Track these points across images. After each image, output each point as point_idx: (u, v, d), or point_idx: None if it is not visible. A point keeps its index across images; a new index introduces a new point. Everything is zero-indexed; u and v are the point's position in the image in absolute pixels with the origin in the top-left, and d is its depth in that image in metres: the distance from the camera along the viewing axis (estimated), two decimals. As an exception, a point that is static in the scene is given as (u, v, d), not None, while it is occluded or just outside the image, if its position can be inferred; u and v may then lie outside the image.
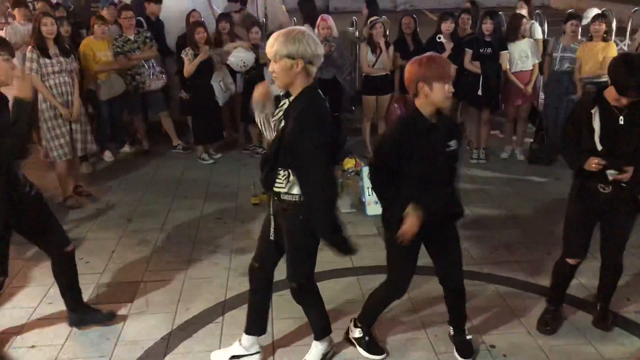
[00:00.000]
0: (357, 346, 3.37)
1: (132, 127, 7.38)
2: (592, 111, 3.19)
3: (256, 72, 6.69)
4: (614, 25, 8.19)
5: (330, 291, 3.98)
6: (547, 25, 8.50)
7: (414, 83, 2.90)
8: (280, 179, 2.82)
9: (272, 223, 3.00)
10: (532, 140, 6.89)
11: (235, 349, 3.28)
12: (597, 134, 3.18)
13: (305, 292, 3.12)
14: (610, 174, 3.18)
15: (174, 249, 4.66)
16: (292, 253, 2.98)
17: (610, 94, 3.16)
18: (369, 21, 6.72)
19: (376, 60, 6.49)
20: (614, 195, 3.25)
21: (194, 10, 7.14)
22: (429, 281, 4.06)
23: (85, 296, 3.93)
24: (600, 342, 3.41)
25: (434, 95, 2.87)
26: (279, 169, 2.82)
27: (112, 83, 6.56)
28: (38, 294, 4.00)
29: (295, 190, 2.80)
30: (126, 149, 7.24)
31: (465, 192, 5.85)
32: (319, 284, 3.18)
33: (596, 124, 3.18)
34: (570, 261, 3.49)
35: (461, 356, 3.28)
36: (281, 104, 2.90)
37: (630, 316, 3.67)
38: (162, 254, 4.59)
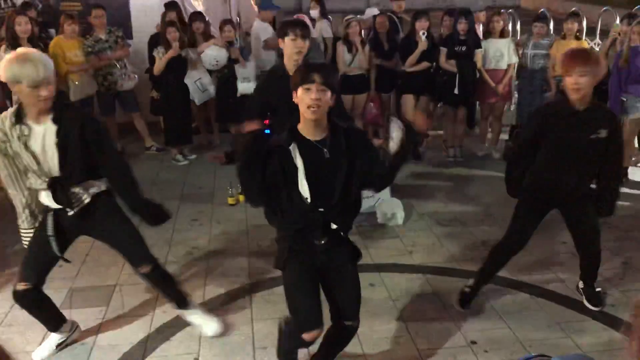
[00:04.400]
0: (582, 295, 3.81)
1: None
2: (291, 147, 2.59)
3: (228, 71, 6.63)
4: (584, 24, 8.32)
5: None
6: (520, 25, 8.62)
7: None
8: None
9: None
10: (507, 138, 6.96)
11: (54, 338, 3.34)
12: (302, 173, 2.59)
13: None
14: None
15: (149, 251, 4.56)
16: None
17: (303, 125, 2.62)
18: (344, 20, 6.72)
19: (352, 60, 6.48)
20: (331, 245, 2.72)
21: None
22: (409, 279, 4.06)
23: (59, 301, 3.83)
24: (579, 335, 3.44)
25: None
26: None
27: (83, 83, 6.42)
28: (8, 299, 3.86)
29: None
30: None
31: (443, 190, 5.93)
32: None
33: (298, 160, 2.59)
34: (307, 336, 2.72)
35: None
36: None
37: (607, 309, 3.71)
38: (137, 257, 4.49)
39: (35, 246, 3.12)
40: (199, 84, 6.62)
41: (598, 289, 3.78)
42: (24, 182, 2.94)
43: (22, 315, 3.67)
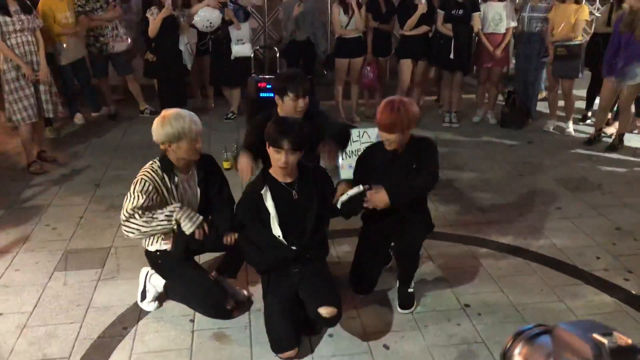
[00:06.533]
0: None
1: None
2: (262, 192, 2.93)
3: (222, 32, 6.52)
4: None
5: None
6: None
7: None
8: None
9: None
10: (503, 103, 6.92)
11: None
12: (274, 217, 2.92)
13: None
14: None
15: (144, 215, 4.55)
16: None
17: (275, 170, 2.95)
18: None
19: (348, 22, 6.38)
20: (304, 272, 3.04)
21: None
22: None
23: (54, 263, 3.83)
24: (571, 299, 3.47)
25: None
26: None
27: (72, 47, 6.30)
28: (4, 261, 3.87)
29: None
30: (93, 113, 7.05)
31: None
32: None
33: (270, 204, 2.93)
34: (282, 356, 2.93)
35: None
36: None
37: (600, 274, 3.74)
38: (132, 220, 4.47)
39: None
40: (189, 48, 6.52)
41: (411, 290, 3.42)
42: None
43: (18, 276, 3.69)
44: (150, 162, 3.09)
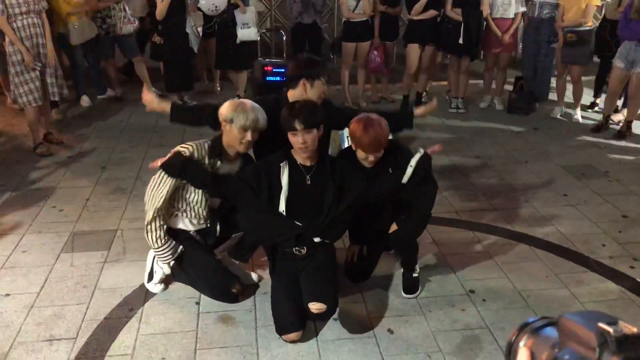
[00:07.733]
0: None
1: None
2: (282, 164, 2.95)
3: (228, 15, 6.48)
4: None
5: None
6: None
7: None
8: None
9: None
10: (511, 89, 6.87)
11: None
12: (285, 192, 2.94)
13: None
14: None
15: (150, 197, 4.56)
16: None
17: (297, 151, 2.94)
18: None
19: (356, 5, 6.33)
20: (309, 253, 3.05)
21: None
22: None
23: (60, 245, 3.86)
24: (576, 286, 3.47)
25: None
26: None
27: (83, 27, 6.28)
28: (11, 242, 3.90)
29: None
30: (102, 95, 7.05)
31: (444, 141, 5.88)
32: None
33: (284, 179, 2.94)
34: (286, 338, 2.93)
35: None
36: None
37: (605, 261, 3.74)
38: (138, 202, 4.46)
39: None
40: (195, 30, 6.49)
41: (415, 275, 3.42)
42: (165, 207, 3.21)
43: (25, 257, 3.72)
44: (204, 139, 3.15)
